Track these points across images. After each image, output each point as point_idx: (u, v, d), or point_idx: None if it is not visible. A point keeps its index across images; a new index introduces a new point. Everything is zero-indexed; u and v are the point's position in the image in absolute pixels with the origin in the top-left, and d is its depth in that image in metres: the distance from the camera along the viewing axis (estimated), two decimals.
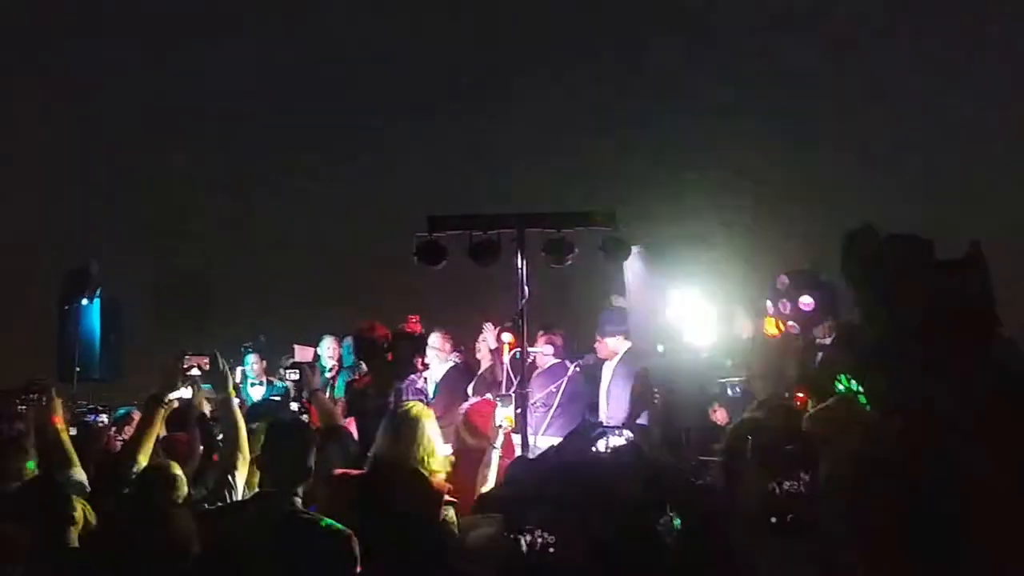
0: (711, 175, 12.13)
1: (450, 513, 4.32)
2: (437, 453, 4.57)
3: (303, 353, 9.48)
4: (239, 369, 9.44)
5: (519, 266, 7.17)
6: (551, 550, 3.09)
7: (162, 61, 14.12)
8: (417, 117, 14.06)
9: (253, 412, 6.19)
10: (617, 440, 3.97)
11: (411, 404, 4.86)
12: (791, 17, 12.97)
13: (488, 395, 7.23)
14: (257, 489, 4.45)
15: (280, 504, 3.81)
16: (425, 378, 8.20)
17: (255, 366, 9.76)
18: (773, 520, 3.28)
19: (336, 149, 14.34)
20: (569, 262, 7.16)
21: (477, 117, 13.98)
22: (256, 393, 9.46)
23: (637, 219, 7.77)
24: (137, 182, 13.95)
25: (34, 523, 3.78)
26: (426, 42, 14.24)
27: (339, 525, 3.76)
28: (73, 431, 6.54)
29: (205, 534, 3.81)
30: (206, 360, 4.93)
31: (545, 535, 3.13)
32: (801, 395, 5.72)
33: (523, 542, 3.13)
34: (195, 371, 4.96)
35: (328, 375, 9.41)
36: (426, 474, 4.38)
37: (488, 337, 8.73)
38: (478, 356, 8.89)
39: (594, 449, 3.81)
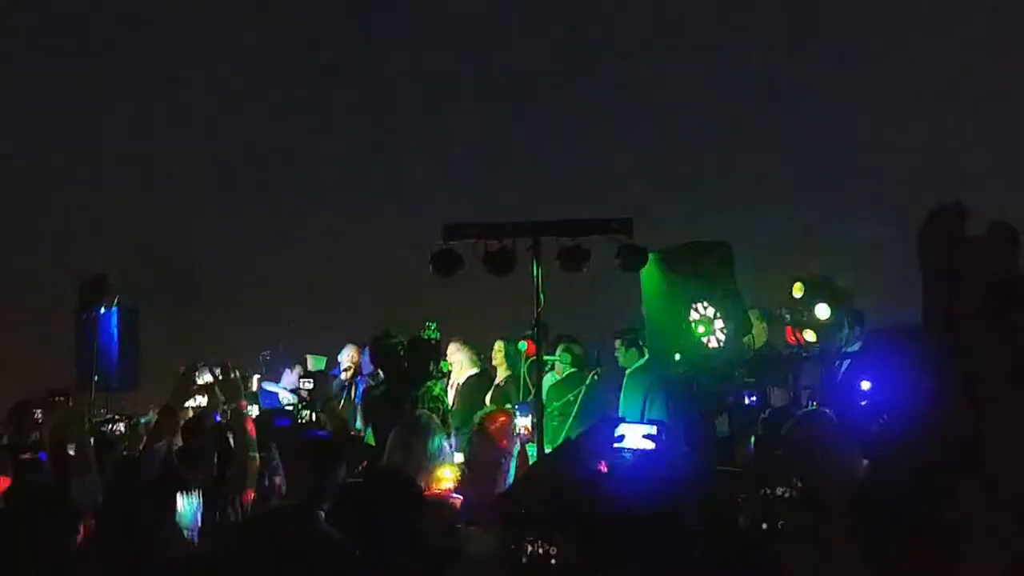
0: (727, 183, 12.11)
1: (456, 525, 4.29)
2: (446, 463, 4.56)
3: (315, 363, 9.49)
4: (255, 378, 9.45)
5: (535, 274, 7.15)
6: (552, 561, 3.07)
7: (177, 66, 14.21)
8: (433, 124, 14.08)
9: (265, 419, 6.20)
10: (640, 438, 3.84)
11: (421, 413, 4.85)
12: (806, 21, 12.96)
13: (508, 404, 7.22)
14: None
15: (304, 521, 3.80)
16: (443, 386, 8.19)
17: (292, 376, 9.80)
18: (764, 526, 3.26)
19: (355, 158, 14.39)
20: (585, 270, 7.14)
21: (492, 124, 13.99)
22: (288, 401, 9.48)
23: (653, 227, 7.75)
24: (154, 191, 14.03)
25: (39, 532, 3.79)
26: (442, 48, 14.27)
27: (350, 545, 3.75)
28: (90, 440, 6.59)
29: (231, 548, 3.81)
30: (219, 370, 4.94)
31: (546, 545, 3.10)
32: (815, 403, 5.69)
33: (524, 554, 3.11)
34: (208, 379, 4.97)
35: (343, 379, 9.41)
36: (422, 484, 4.36)
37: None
38: (494, 363, 8.88)
39: (616, 446, 3.73)
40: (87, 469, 4.94)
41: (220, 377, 4.93)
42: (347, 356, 9.49)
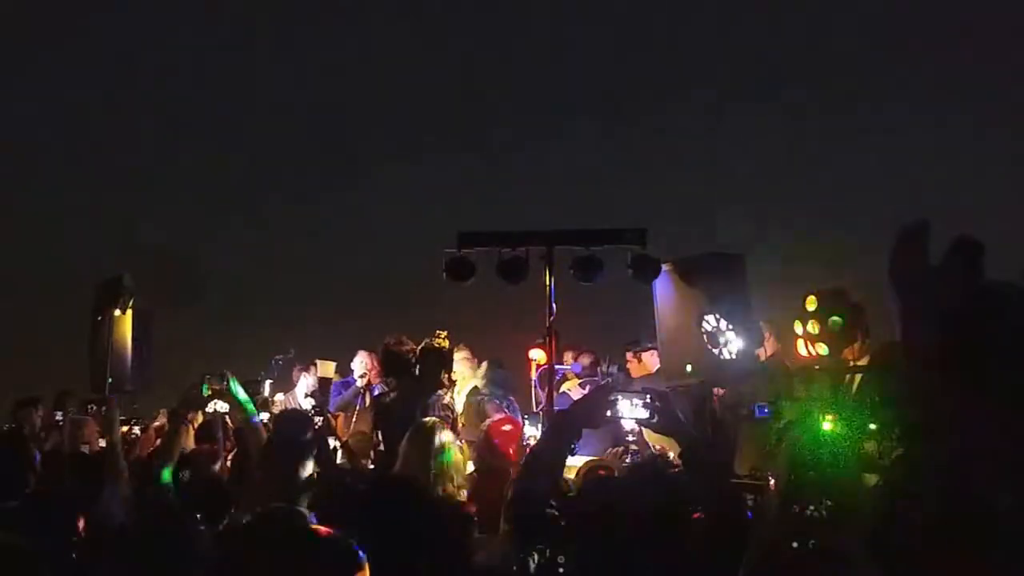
0: (740, 194, 12.11)
1: (466, 532, 4.29)
2: (457, 470, 4.57)
3: (324, 368, 9.50)
4: (267, 383, 9.46)
5: (548, 283, 7.17)
6: (561, 570, 3.06)
7: (192, 71, 14.29)
8: (447, 133, 14.12)
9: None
10: (634, 407, 3.77)
11: (431, 420, 4.86)
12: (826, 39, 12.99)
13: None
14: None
15: (290, 519, 3.81)
16: (453, 393, 8.19)
17: (308, 380, 9.82)
18: (795, 545, 3.23)
19: (367, 164, 14.43)
20: (598, 280, 7.15)
21: (505, 133, 14.03)
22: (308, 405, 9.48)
23: (667, 237, 7.76)
24: (170, 196, 14.11)
25: (39, 537, 3.80)
26: (454, 58, 14.32)
27: (349, 542, 3.76)
28: (102, 442, 6.63)
29: (225, 554, 3.81)
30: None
31: (555, 552, 3.08)
32: (830, 418, 5.66)
33: (532, 562, 3.10)
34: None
35: (359, 386, 9.43)
36: (439, 491, 4.37)
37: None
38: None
39: (608, 413, 3.67)
40: (119, 477, 4.96)
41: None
42: (360, 363, 9.52)
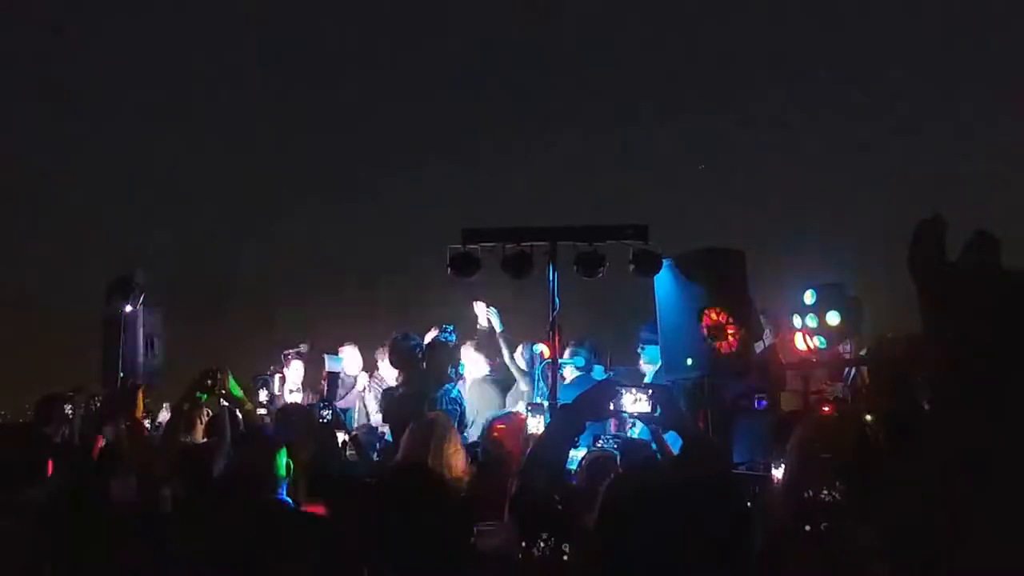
0: (742, 190, 12.17)
1: (471, 521, 4.38)
2: (460, 462, 4.66)
3: (333, 364, 9.60)
4: (276, 377, 9.56)
5: (551, 278, 7.26)
6: (565, 557, 3.09)
7: (203, 72, 14.40)
8: (453, 133, 14.21)
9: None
10: (636, 401, 3.83)
11: (435, 413, 4.95)
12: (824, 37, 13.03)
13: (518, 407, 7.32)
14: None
15: (263, 503, 3.94)
16: (460, 387, 8.28)
17: (296, 373, 9.89)
18: (807, 528, 3.29)
19: (372, 165, 14.54)
20: (600, 275, 7.24)
21: (510, 132, 14.11)
22: (294, 400, 9.55)
23: (668, 233, 7.84)
24: (183, 196, 14.23)
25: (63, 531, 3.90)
26: (459, 60, 14.40)
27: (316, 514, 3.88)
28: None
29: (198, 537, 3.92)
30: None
31: (559, 541, 3.12)
32: (827, 408, 5.77)
33: (536, 550, 3.13)
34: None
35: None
36: (443, 481, 4.46)
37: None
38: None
39: (611, 407, 3.74)
40: (127, 471, 5.05)
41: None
42: (355, 359, 9.65)
